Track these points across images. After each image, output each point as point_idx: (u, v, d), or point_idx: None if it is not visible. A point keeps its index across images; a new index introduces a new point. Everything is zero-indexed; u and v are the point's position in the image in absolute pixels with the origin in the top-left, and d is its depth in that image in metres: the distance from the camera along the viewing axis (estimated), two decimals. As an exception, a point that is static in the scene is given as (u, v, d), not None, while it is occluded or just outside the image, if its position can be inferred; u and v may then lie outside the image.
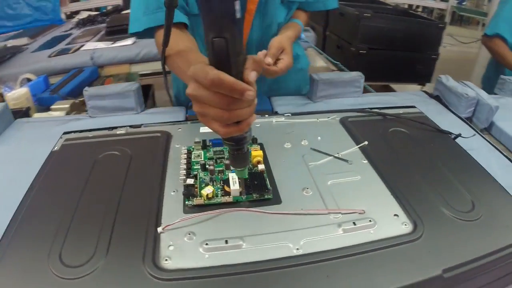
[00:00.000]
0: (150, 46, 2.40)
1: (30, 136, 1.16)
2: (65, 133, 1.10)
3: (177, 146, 1.02)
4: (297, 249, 0.72)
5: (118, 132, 1.09)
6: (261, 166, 0.91)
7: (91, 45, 2.50)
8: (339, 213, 0.81)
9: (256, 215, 0.79)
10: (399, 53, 3.09)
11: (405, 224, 0.79)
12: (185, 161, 0.93)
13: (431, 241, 0.76)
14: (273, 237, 0.74)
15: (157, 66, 2.47)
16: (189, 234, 0.74)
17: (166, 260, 0.69)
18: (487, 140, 1.18)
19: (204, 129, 1.10)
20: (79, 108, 1.51)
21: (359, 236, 0.76)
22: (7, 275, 0.67)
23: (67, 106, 1.46)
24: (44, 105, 1.62)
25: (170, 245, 0.72)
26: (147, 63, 2.45)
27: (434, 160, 1.01)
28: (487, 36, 2.21)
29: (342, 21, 3.19)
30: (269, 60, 1.08)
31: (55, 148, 1.02)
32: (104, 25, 3.06)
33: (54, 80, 1.96)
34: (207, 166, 0.89)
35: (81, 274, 0.66)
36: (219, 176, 0.88)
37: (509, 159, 1.09)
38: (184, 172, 0.90)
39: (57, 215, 0.79)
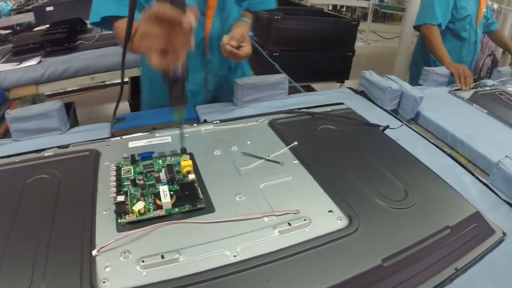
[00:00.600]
0: (55, 64, 2.31)
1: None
2: (-10, 159, 1.03)
3: (106, 163, 0.99)
4: (235, 256, 0.72)
5: (46, 155, 1.04)
6: (192, 176, 0.89)
7: None
8: (273, 215, 0.81)
9: (191, 226, 0.78)
10: (314, 53, 3.11)
11: (340, 219, 0.80)
12: (114, 178, 0.91)
13: (367, 233, 0.77)
14: (209, 246, 0.74)
15: (65, 84, 2.41)
16: (125, 253, 0.72)
17: (103, 282, 0.66)
18: (413, 130, 1.21)
19: (133, 144, 1.08)
20: (-19, 136, 1.44)
21: (295, 236, 0.76)
22: None
23: (-35, 136, 1.38)
24: None
25: (106, 266, 0.69)
26: (54, 82, 2.34)
27: (365, 153, 1.03)
28: (425, 25, 2.29)
29: (256, 24, 3.17)
30: (233, 42, 1.21)
31: None
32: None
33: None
34: (137, 181, 0.87)
35: None
36: (150, 190, 0.86)
37: (435, 145, 1.13)
38: (114, 189, 0.87)
39: None
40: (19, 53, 2.51)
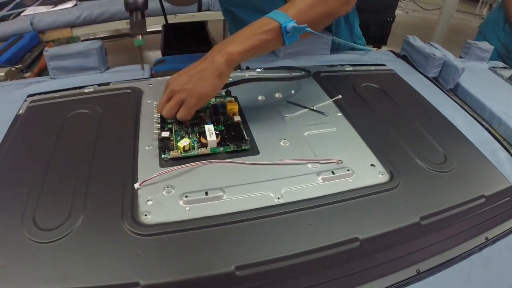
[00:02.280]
0: (91, 8, 2.32)
1: (-11, 102, 1.08)
2: (29, 95, 1.04)
3: (149, 101, 0.99)
4: (278, 198, 0.72)
5: (86, 91, 1.04)
6: (237, 118, 0.89)
7: (32, 9, 2.34)
8: (317, 162, 0.80)
9: (235, 166, 0.78)
10: None
11: (382, 174, 0.80)
12: (158, 115, 0.90)
13: (407, 190, 0.77)
14: (253, 187, 0.74)
15: (100, 28, 2.42)
16: (168, 187, 0.72)
17: (145, 215, 0.67)
18: (454, 100, 1.19)
19: (176, 84, 1.07)
20: (15, 75, 1.43)
21: (338, 184, 0.76)
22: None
23: (1, 74, 1.36)
24: (-18, 74, 1.52)
25: (148, 200, 0.70)
26: (89, 26, 2.35)
27: (407, 115, 1.02)
28: None
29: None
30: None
31: (20, 112, 0.96)
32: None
33: (-6, 48, 1.85)
34: (181, 120, 0.87)
35: (57, 236, 0.63)
36: (194, 129, 0.86)
37: (474, 118, 1.11)
38: (158, 126, 0.87)
39: (28, 178, 0.75)
40: (55, -4, 2.51)
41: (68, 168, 0.78)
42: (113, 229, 0.65)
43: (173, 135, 0.84)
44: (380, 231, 0.68)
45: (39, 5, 2.44)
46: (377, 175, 0.80)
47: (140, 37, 0.88)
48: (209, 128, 0.83)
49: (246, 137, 0.85)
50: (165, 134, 0.83)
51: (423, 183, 0.80)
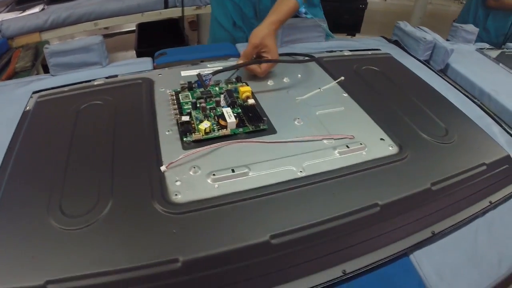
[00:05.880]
0: (58, 11, 2.33)
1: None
2: (34, 92, 1.04)
3: (161, 90, 1.01)
4: (301, 171, 0.76)
5: (96, 83, 1.05)
6: (251, 101, 0.93)
7: (0, 16, 2.32)
8: (332, 138, 0.85)
9: (255, 145, 0.82)
10: (325, 3, 3.09)
11: (391, 147, 0.85)
12: (174, 101, 0.93)
13: (416, 160, 0.83)
14: (276, 163, 0.77)
15: (68, 31, 2.43)
16: (194, 168, 0.75)
17: (176, 195, 0.69)
18: (445, 80, 1.25)
19: (186, 73, 1.10)
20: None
21: (353, 157, 0.81)
22: (5, 237, 0.63)
23: (-30, 83, 1.36)
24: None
25: (176, 181, 0.72)
26: (57, 29, 2.37)
27: (407, 94, 1.07)
28: None
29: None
30: (241, 61, 1.07)
31: (27, 108, 0.96)
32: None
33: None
34: (198, 105, 0.90)
35: (88, 221, 0.64)
36: (212, 113, 0.89)
37: (467, 96, 1.17)
38: (176, 112, 0.89)
39: (49, 168, 0.76)
40: (23, 2, 2.49)
41: (90, 156, 0.80)
42: (146, 210, 0.67)
43: (193, 119, 0.86)
44: (397, 196, 0.73)
45: (8, 11, 2.43)
46: (387, 147, 0.84)
47: None
48: (227, 111, 0.86)
49: (263, 117, 0.88)
50: (185, 118, 0.85)
51: (429, 153, 0.86)
